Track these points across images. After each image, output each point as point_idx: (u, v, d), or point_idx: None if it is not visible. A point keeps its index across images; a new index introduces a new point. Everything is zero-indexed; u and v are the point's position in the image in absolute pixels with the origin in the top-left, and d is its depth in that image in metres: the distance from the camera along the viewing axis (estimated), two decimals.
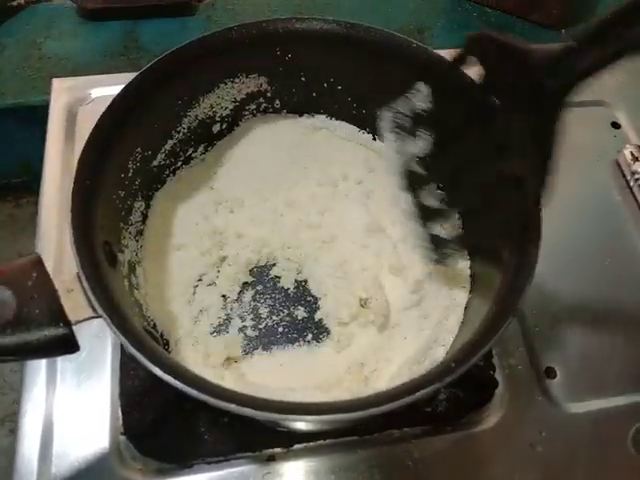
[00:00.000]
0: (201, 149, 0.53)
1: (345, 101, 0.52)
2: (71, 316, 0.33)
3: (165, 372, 0.31)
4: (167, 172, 0.51)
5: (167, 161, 0.50)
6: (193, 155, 0.52)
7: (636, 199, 0.60)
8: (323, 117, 0.54)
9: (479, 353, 0.34)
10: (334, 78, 0.51)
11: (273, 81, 0.51)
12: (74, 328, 0.34)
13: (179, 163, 0.52)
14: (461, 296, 0.47)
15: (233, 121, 0.53)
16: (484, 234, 0.42)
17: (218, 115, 0.51)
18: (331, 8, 0.78)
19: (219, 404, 0.30)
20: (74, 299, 0.33)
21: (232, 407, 0.31)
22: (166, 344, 0.46)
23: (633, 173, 0.60)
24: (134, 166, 0.45)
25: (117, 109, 0.41)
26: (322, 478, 0.45)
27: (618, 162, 0.62)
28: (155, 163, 0.48)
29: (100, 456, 0.45)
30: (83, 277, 0.33)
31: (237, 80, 0.49)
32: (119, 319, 0.33)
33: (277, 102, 0.53)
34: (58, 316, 0.32)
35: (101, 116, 0.41)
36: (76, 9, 0.75)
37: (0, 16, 0.75)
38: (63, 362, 0.48)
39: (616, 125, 0.66)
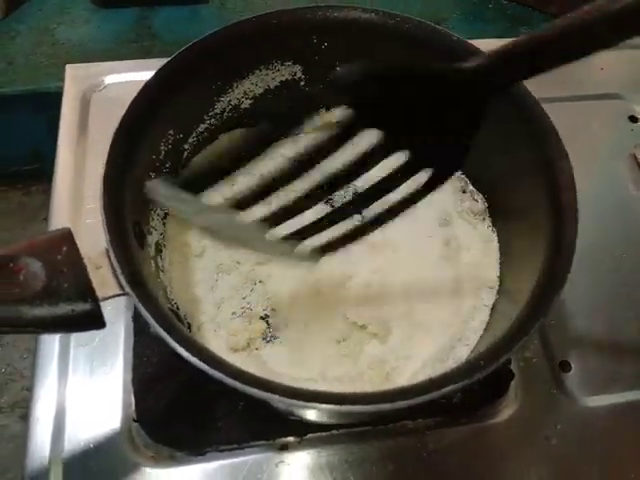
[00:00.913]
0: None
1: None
2: (99, 292, 0.33)
3: (191, 353, 0.31)
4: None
5: (198, 145, 0.49)
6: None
7: None
8: None
9: (508, 353, 0.33)
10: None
11: (307, 70, 0.50)
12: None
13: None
14: (489, 297, 0.47)
15: None
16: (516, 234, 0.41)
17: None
18: None
19: (245, 389, 0.30)
20: (102, 276, 0.33)
21: (275, 396, 0.31)
22: (188, 328, 0.45)
23: None
24: (165, 148, 0.45)
25: (151, 90, 0.41)
26: (335, 468, 0.45)
27: (635, 156, 0.62)
28: (186, 146, 0.48)
29: (112, 443, 0.45)
30: (112, 253, 0.33)
31: (271, 67, 0.49)
32: (146, 297, 0.33)
33: (310, 92, 0.52)
34: (86, 291, 0.32)
35: (135, 97, 0.40)
36: None
37: (13, 2, 0.75)
38: (76, 348, 0.48)
39: (634, 119, 0.65)
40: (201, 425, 0.45)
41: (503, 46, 0.30)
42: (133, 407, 0.46)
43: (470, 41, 0.46)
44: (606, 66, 0.69)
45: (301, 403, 0.30)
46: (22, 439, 0.46)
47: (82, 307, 0.32)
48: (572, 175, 0.40)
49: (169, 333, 0.31)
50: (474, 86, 0.30)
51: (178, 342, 0.31)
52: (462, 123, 0.31)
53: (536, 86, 0.66)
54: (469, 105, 0.30)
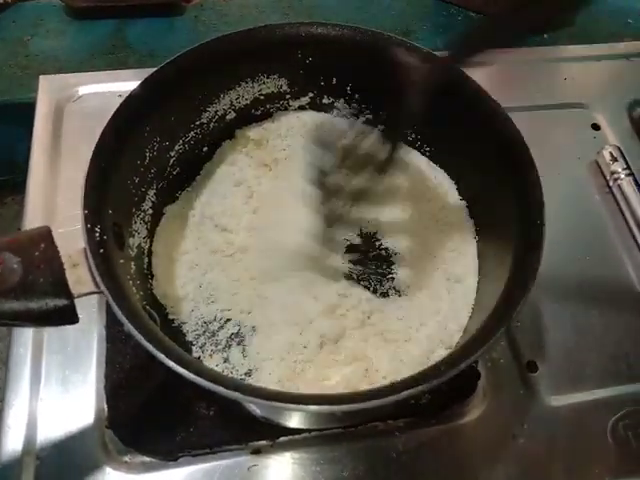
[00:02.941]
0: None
1: (360, 107, 0.53)
2: (74, 289, 0.34)
3: (159, 350, 0.32)
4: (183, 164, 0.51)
5: (185, 153, 0.50)
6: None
7: (615, 198, 0.61)
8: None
9: (467, 360, 0.34)
10: (352, 83, 0.52)
11: (293, 83, 0.51)
12: (77, 301, 0.35)
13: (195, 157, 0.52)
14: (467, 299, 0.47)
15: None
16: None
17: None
18: (318, 10, 0.79)
19: (224, 392, 0.31)
20: (78, 273, 0.34)
21: (237, 395, 0.31)
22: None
23: (612, 173, 0.61)
24: (151, 154, 0.46)
25: (137, 99, 0.42)
26: (307, 470, 0.46)
27: (598, 162, 0.64)
28: (172, 154, 0.49)
29: (85, 449, 0.45)
30: (89, 252, 0.34)
31: (257, 80, 0.50)
32: (118, 294, 0.34)
33: (294, 104, 0.54)
34: (61, 287, 0.33)
35: (120, 105, 0.42)
36: (64, 7, 0.75)
37: None
38: (49, 355, 0.48)
39: (596, 127, 0.67)
40: (173, 431, 0.46)
41: None
42: (106, 414, 0.46)
43: (438, 52, 0.48)
44: (569, 76, 0.71)
45: (261, 401, 0.31)
46: None
47: (56, 302, 0.33)
48: (540, 186, 0.41)
49: (140, 330, 0.32)
50: None
51: (148, 340, 0.31)
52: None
53: (502, 95, 0.69)
54: None
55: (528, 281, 0.35)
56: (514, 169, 0.41)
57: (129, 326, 0.32)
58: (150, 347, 0.32)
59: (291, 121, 0.53)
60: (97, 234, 0.35)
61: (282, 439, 0.46)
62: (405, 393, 0.31)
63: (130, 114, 0.41)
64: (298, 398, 0.32)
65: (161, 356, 0.31)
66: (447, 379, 0.32)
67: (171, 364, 0.32)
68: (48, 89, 0.64)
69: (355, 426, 0.47)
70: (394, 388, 0.31)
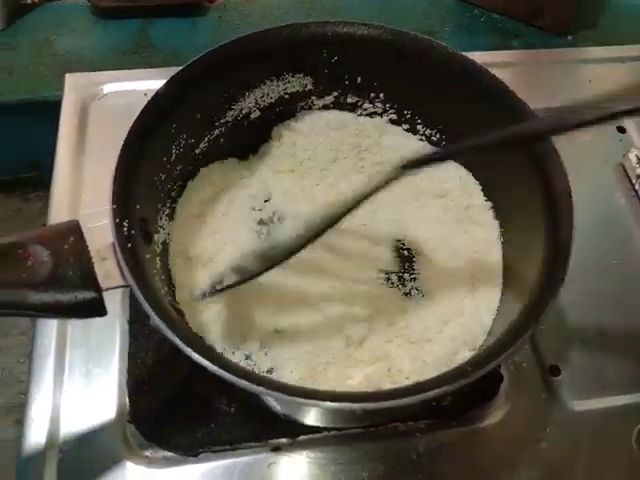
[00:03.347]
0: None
1: (384, 106, 0.53)
2: (102, 283, 0.35)
3: (187, 344, 0.32)
4: (207, 162, 0.51)
5: (210, 151, 0.50)
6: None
7: None
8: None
9: (494, 362, 0.34)
10: (376, 82, 0.52)
11: (317, 82, 0.51)
12: (103, 295, 0.35)
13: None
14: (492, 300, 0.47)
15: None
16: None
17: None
18: (341, 11, 0.79)
19: (246, 386, 0.31)
20: (106, 267, 0.35)
21: (261, 389, 0.31)
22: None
23: (638, 176, 0.60)
24: (177, 151, 0.46)
25: (164, 97, 0.43)
26: (326, 470, 0.46)
27: (623, 166, 0.63)
28: (197, 151, 0.49)
29: (107, 443, 0.45)
30: (117, 246, 0.34)
31: (282, 79, 0.50)
32: (145, 288, 0.34)
33: (318, 103, 0.54)
34: (90, 280, 0.34)
35: (147, 103, 0.42)
36: (89, 7, 0.76)
37: (14, 14, 0.76)
38: (72, 350, 0.49)
39: (622, 129, 0.66)
40: (194, 426, 0.46)
41: None
42: (128, 408, 0.46)
43: (462, 53, 0.48)
44: (594, 78, 0.70)
45: (286, 397, 0.31)
46: (17, 442, 0.46)
47: (85, 295, 0.34)
48: (570, 193, 0.40)
49: (166, 323, 0.32)
50: None
51: (175, 333, 0.32)
52: None
53: (527, 97, 0.68)
54: None
55: (556, 286, 0.35)
56: (544, 176, 0.40)
57: (156, 319, 0.32)
58: (176, 340, 0.32)
59: (315, 120, 0.53)
60: (125, 229, 0.36)
61: (302, 437, 0.46)
62: (431, 393, 0.30)
63: (157, 111, 0.42)
64: (322, 394, 0.32)
65: (187, 349, 0.32)
66: (473, 380, 0.32)
67: (196, 357, 0.32)
68: (74, 87, 0.65)
69: (375, 426, 0.47)
70: (419, 388, 0.31)
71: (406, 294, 0.49)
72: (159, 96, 0.41)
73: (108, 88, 0.65)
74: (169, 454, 0.45)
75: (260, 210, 0.52)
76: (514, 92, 0.45)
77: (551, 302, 0.34)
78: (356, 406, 0.31)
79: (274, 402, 0.44)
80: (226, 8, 0.80)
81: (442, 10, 0.81)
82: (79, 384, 0.48)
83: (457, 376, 0.31)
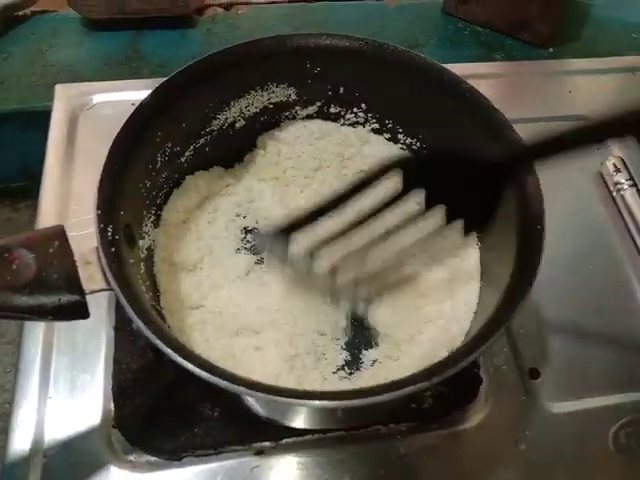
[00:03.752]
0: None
1: (366, 116, 0.55)
2: (85, 286, 0.35)
3: (170, 347, 0.32)
4: (192, 171, 0.53)
5: (195, 159, 0.51)
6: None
7: (618, 209, 0.62)
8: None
9: (465, 360, 0.34)
10: (358, 93, 0.53)
11: (301, 92, 0.53)
12: (88, 299, 0.36)
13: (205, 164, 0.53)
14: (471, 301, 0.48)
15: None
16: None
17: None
18: (328, 24, 0.80)
19: (215, 380, 0.31)
20: (90, 271, 0.36)
21: (241, 389, 0.32)
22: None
23: (615, 184, 0.62)
24: (162, 159, 0.47)
25: (148, 107, 0.43)
26: (310, 472, 0.46)
27: (601, 173, 0.64)
28: (183, 159, 0.50)
29: (92, 448, 0.46)
30: (101, 250, 0.35)
31: (266, 89, 0.51)
32: (128, 291, 0.35)
33: (302, 113, 0.55)
34: (74, 283, 0.35)
35: (133, 112, 0.43)
36: (80, 19, 0.78)
37: (6, 25, 0.78)
38: (58, 356, 0.49)
39: None
40: (178, 431, 0.46)
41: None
42: (112, 414, 0.47)
43: (446, 65, 0.49)
44: (574, 89, 0.72)
45: (261, 395, 0.31)
46: (1, 449, 0.46)
47: (69, 297, 0.35)
48: (541, 195, 0.42)
49: (147, 325, 0.33)
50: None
51: (156, 335, 0.32)
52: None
53: (508, 108, 0.70)
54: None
55: (529, 282, 0.36)
56: (515, 176, 0.41)
57: (137, 322, 0.33)
58: (157, 341, 0.32)
59: (299, 129, 0.55)
60: (109, 234, 0.37)
61: (285, 441, 0.47)
62: (407, 390, 0.31)
63: (142, 121, 0.43)
64: (299, 393, 0.32)
65: (169, 351, 0.32)
66: (446, 377, 0.32)
67: (179, 360, 0.32)
68: (64, 97, 0.66)
69: (358, 429, 0.48)
70: (395, 385, 0.32)
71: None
72: (144, 106, 0.42)
73: (97, 98, 0.66)
74: (153, 459, 0.46)
75: (245, 217, 0.53)
76: (490, 101, 0.47)
77: (522, 300, 0.35)
78: (333, 404, 0.31)
79: (257, 406, 0.44)
80: (215, 21, 0.81)
81: (427, 23, 0.83)
82: (64, 390, 0.48)
83: (431, 374, 0.32)
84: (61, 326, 0.51)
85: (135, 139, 0.42)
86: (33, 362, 0.49)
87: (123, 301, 0.33)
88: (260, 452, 0.47)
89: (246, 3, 0.83)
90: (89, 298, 0.37)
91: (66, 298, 0.34)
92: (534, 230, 0.37)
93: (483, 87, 0.49)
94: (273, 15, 0.82)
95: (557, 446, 0.49)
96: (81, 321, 0.49)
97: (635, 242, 0.60)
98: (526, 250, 0.37)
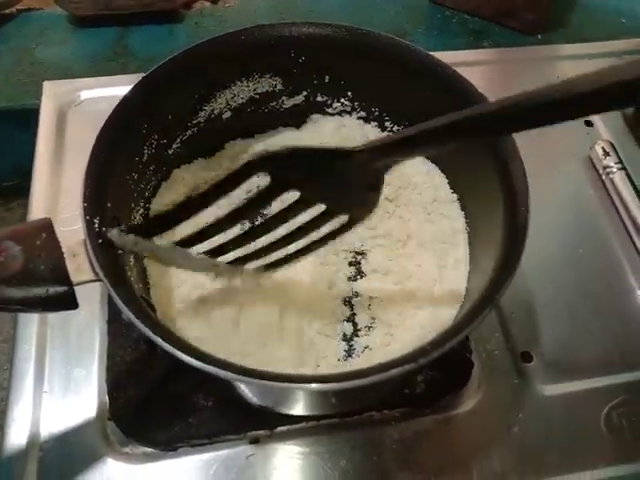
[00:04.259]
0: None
1: (353, 104, 0.55)
2: (73, 277, 0.36)
3: (159, 336, 0.33)
4: (180, 163, 0.53)
5: (182, 152, 0.51)
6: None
7: (608, 192, 0.62)
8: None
9: (452, 340, 0.34)
10: (344, 81, 0.53)
11: (287, 82, 0.53)
12: (81, 291, 0.36)
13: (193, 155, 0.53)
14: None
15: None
16: None
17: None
18: (315, 14, 0.80)
19: (216, 372, 0.32)
20: (78, 262, 0.36)
21: (230, 375, 0.32)
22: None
23: (604, 167, 0.62)
24: (149, 152, 0.47)
25: (133, 99, 0.44)
26: (305, 459, 0.47)
27: (591, 158, 0.64)
28: (170, 152, 0.50)
29: (88, 441, 0.46)
30: (87, 240, 0.35)
31: (252, 79, 0.51)
32: (116, 281, 0.35)
33: (288, 103, 0.55)
34: (61, 275, 0.35)
35: (117, 105, 0.43)
36: (67, 16, 0.77)
37: None
38: (52, 350, 0.50)
39: (589, 123, 0.68)
40: (173, 422, 0.47)
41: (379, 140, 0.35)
42: (108, 406, 0.47)
43: (434, 53, 0.49)
44: (562, 75, 0.72)
45: (254, 380, 0.32)
46: None
47: (56, 289, 0.35)
48: (525, 176, 0.41)
49: (136, 315, 0.33)
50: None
51: (144, 323, 0.33)
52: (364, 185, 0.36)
53: (497, 94, 0.69)
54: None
55: (513, 263, 0.36)
56: (500, 162, 0.42)
57: (125, 310, 0.33)
58: (148, 331, 0.33)
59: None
60: (96, 225, 0.37)
61: (280, 429, 0.47)
62: (393, 371, 0.31)
63: (126, 114, 0.43)
64: (289, 377, 0.33)
65: (159, 340, 0.32)
66: (433, 359, 0.33)
67: (170, 348, 0.33)
68: (52, 94, 0.66)
69: (352, 415, 0.48)
70: (383, 367, 0.32)
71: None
72: (128, 99, 0.43)
73: (85, 95, 0.66)
74: (149, 450, 0.46)
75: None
76: (474, 85, 0.47)
77: (506, 285, 0.35)
78: (322, 387, 0.32)
79: (250, 394, 0.45)
80: (202, 14, 0.81)
81: (414, 12, 0.83)
82: (59, 384, 0.48)
83: (417, 355, 0.32)
84: (54, 321, 0.51)
85: (120, 132, 0.42)
86: (27, 357, 0.49)
87: (111, 290, 0.34)
88: (255, 441, 0.47)
89: None
90: (82, 292, 0.37)
91: (54, 289, 0.34)
92: (519, 212, 0.38)
93: (471, 74, 0.49)
94: (260, 7, 0.82)
95: (550, 428, 0.49)
96: (74, 316, 0.50)
97: (625, 225, 0.60)
98: (512, 231, 0.38)
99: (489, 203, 0.43)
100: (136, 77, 0.45)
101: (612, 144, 0.63)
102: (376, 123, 0.55)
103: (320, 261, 0.50)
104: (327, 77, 0.52)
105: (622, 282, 0.57)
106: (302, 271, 0.48)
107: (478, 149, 0.45)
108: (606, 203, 0.62)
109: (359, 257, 0.52)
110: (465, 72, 0.49)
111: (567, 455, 0.48)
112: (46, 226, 0.36)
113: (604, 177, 0.62)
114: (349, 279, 0.50)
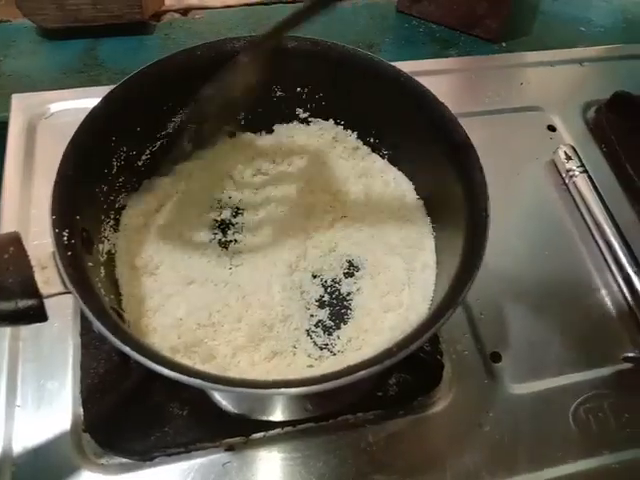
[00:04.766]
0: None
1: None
2: (43, 290, 0.36)
3: (126, 344, 0.33)
4: (150, 174, 0.53)
5: (152, 163, 0.52)
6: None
7: (571, 195, 0.64)
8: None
9: (417, 342, 0.35)
10: (310, 92, 0.54)
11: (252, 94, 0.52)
12: (45, 301, 0.36)
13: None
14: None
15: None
16: None
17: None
18: None
19: (188, 380, 0.32)
20: (47, 275, 0.36)
21: (201, 383, 0.32)
22: None
23: (567, 171, 0.64)
24: (118, 164, 0.47)
25: (101, 111, 0.44)
26: (281, 465, 0.47)
27: (554, 161, 0.66)
28: (140, 163, 0.51)
29: (63, 454, 0.46)
30: (57, 253, 0.36)
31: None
32: (86, 294, 0.35)
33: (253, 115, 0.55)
34: (30, 288, 0.35)
35: (85, 117, 0.43)
36: (35, 28, 0.77)
37: None
38: (24, 363, 0.49)
39: (552, 128, 0.70)
40: (148, 431, 0.47)
41: None
42: (82, 418, 0.47)
43: (402, 63, 0.51)
44: (525, 81, 0.75)
45: (225, 388, 0.32)
46: None
47: (25, 302, 0.35)
48: (484, 182, 0.43)
49: (107, 328, 0.33)
50: None
51: (116, 336, 0.33)
52: None
53: (462, 101, 0.72)
54: None
55: (474, 266, 0.37)
56: (462, 168, 0.43)
57: (96, 322, 0.33)
58: (118, 342, 0.33)
59: None
60: (65, 238, 0.37)
61: (255, 435, 0.48)
62: (360, 374, 0.32)
63: (94, 126, 0.43)
64: (256, 383, 0.33)
65: (129, 350, 0.33)
66: (400, 359, 0.34)
67: (140, 358, 0.33)
68: (20, 107, 0.65)
69: (326, 419, 0.49)
70: (350, 369, 0.33)
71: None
72: (96, 111, 0.43)
73: (55, 107, 0.66)
74: (125, 460, 0.46)
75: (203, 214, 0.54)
76: (433, 94, 0.48)
77: (467, 287, 0.36)
78: (290, 391, 0.32)
79: (225, 401, 0.45)
80: (172, 26, 0.81)
81: (382, 22, 0.84)
82: (32, 397, 0.48)
83: (384, 357, 0.33)
84: (26, 334, 0.51)
85: (88, 144, 0.42)
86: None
87: (80, 303, 0.34)
88: (231, 448, 0.47)
89: (203, 8, 0.84)
90: (54, 304, 0.37)
91: (23, 303, 0.34)
92: (479, 216, 0.39)
93: (437, 83, 0.51)
94: (230, 19, 0.83)
95: (519, 426, 0.50)
96: (46, 328, 0.50)
97: (588, 226, 0.62)
98: (473, 235, 0.39)
99: (452, 208, 0.44)
100: (106, 89, 0.46)
101: (574, 148, 0.66)
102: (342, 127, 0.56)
103: (290, 266, 0.51)
104: (298, 89, 0.53)
105: (586, 282, 0.59)
106: (272, 278, 0.49)
107: (442, 155, 0.46)
108: (570, 206, 0.64)
109: (330, 260, 0.53)
110: (431, 81, 0.50)
111: (537, 451, 0.49)
112: (14, 240, 0.36)
113: (567, 180, 0.64)
114: (322, 284, 0.51)
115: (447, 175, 0.44)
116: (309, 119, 0.56)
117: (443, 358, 0.52)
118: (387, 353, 0.33)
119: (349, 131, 0.56)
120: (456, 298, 0.36)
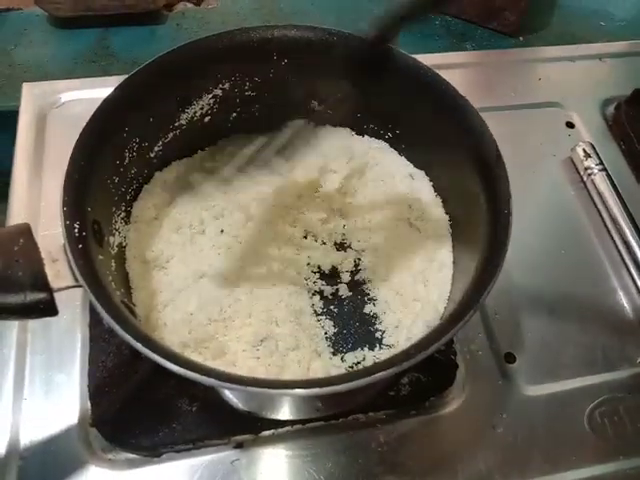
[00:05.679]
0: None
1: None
2: (53, 283, 0.35)
3: (137, 340, 0.32)
4: (162, 166, 0.52)
5: (165, 155, 0.51)
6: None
7: (589, 193, 0.63)
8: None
9: (436, 344, 0.34)
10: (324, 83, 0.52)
11: (268, 86, 0.52)
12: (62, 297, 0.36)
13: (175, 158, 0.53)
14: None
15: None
16: None
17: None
18: (298, 16, 0.80)
19: (199, 378, 0.31)
20: (57, 268, 0.35)
21: (212, 381, 0.32)
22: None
23: (586, 169, 0.63)
24: (130, 155, 0.47)
25: (113, 102, 0.43)
26: (290, 463, 0.46)
27: (572, 159, 0.65)
28: (152, 155, 0.50)
29: (69, 448, 0.46)
30: (67, 246, 0.35)
31: (233, 82, 0.50)
32: (96, 288, 0.35)
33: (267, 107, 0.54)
34: (40, 281, 0.34)
35: (97, 108, 0.42)
36: (47, 17, 0.77)
37: None
38: (32, 356, 0.49)
39: (570, 125, 0.69)
40: (157, 427, 0.46)
41: None
42: (90, 412, 0.46)
43: (417, 55, 0.49)
44: (544, 77, 0.73)
45: (236, 387, 0.31)
46: None
47: (35, 295, 0.34)
48: (507, 179, 0.41)
49: (115, 320, 0.32)
50: None
51: (127, 331, 0.32)
52: None
53: (479, 96, 0.70)
54: None
55: (496, 265, 0.36)
56: (482, 164, 0.42)
57: (105, 315, 0.33)
58: (128, 337, 0.32)
59: None
60: (76, 230, 0.36)
61: (264, 433, 0.47)
62: (378, 375, 0.31)
63: (107, 117, 0.42)
64: (274, 383, 0.32)
65: (140, 346, 0.32)
66: (417, 362, 0.33)
67: (151, 354, 0.32)
68: (31, 96, 0.65)
69: (337, 418, 0.48)
70: (368, 371, 0.32)
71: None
72: (108, 102, 0.42)
73: (66, 97, 0.65)
74: (132, 456, 0.46)
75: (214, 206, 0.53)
76: (451, 84, 0.47)
77: (489, 286, 0.35)
78: (308, 392, 0.31)
79: (235, 399, 0.44)
80: (184, 16, 0.80)
81: None
82: (40, 391, 0.48)
83: (402, 358, 0.32)
84: (35, 326, 0.50)
85: (100, 135, 0.41)
86: (6, 363, 0.48)
87: (91, 296, 0.33)
88: (240, 445, 0.47)
89: None
90: (63, 297, 0.36)
91: (33, 296, 0.34)
92: (501, 214, 0.38)
93: (453, 76, 0.50)
94: (243, 8, 0.82)
95: (534, 428, 0.49)
96: (55, 321, 0.49)
97: (606, 225, 0.61)
98: (495, 233, 0.38)
99: (472, 206, 0.43)
100: (118, 79, 0.45)
101: (593, 145, 0.64)
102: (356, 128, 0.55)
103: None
104: (311, 80, 0.52)
105: (604, 282, 0.57)
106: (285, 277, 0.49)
107: (461, 152, 0.45)
108: (587, 204, 0.62)
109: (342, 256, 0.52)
110: (446, 74, 0.49)
111: (551, 455, 0.48)
112: (24, 231, 0.35)
113: (585, 178, 0.63)
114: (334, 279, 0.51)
115: (467, 172, 0.43)
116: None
117: (457, 358, 0.51)
118: (405, 355, 0.32)
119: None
120: (477, 299, 0.35)
